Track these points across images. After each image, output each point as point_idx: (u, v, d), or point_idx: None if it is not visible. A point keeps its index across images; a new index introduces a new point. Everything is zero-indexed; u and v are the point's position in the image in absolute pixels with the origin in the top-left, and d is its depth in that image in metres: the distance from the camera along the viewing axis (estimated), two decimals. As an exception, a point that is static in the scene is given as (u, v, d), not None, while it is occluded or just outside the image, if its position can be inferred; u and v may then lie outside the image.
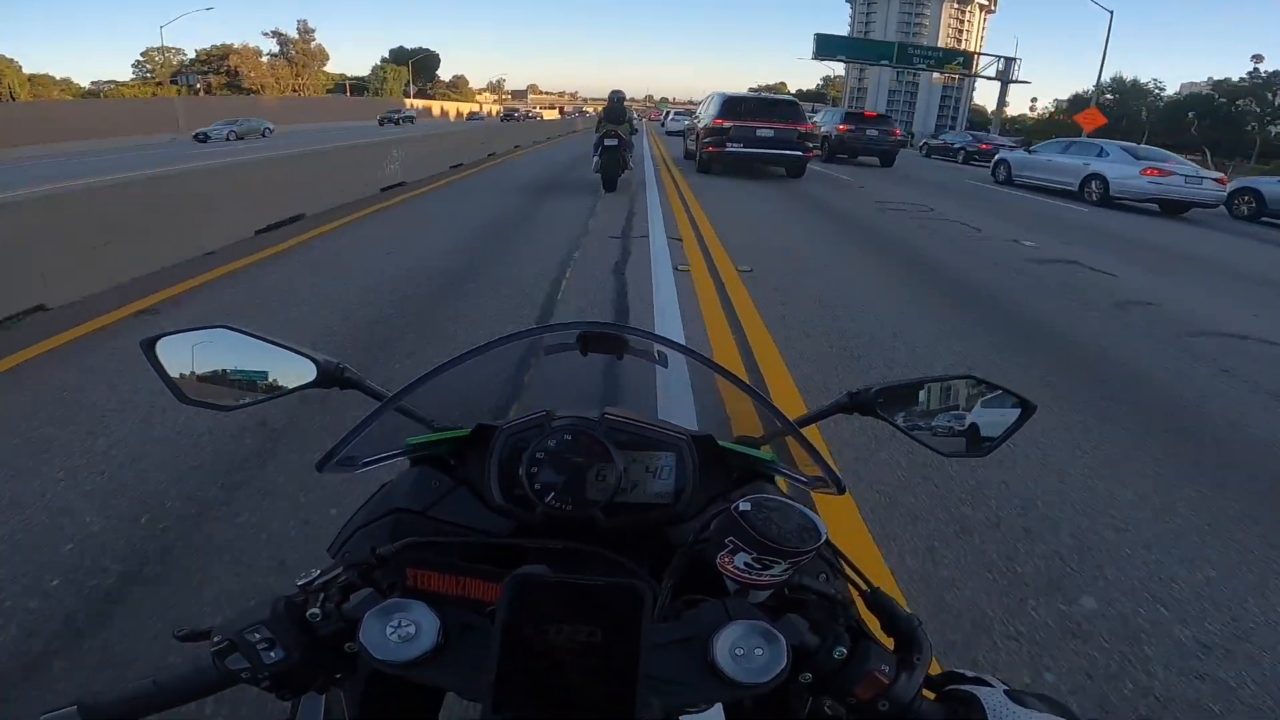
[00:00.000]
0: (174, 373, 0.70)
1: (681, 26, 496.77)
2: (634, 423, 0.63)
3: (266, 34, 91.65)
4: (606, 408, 0.64)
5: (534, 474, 0.59)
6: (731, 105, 13.10)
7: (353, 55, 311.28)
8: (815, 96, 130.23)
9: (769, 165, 13.75)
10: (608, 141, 9.30)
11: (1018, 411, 0.71)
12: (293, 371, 0.71)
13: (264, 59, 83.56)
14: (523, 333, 0.75)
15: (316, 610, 0.46)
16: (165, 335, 0.70)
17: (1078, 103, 53.37)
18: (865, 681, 0.46)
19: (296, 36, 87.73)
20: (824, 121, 19.22)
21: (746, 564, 0.48)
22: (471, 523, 0.63)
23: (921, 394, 0.72)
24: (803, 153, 13.22)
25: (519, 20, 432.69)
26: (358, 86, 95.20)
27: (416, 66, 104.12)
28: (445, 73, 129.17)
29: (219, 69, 76.53)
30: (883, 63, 46.96)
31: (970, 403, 0.72)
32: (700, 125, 14.14)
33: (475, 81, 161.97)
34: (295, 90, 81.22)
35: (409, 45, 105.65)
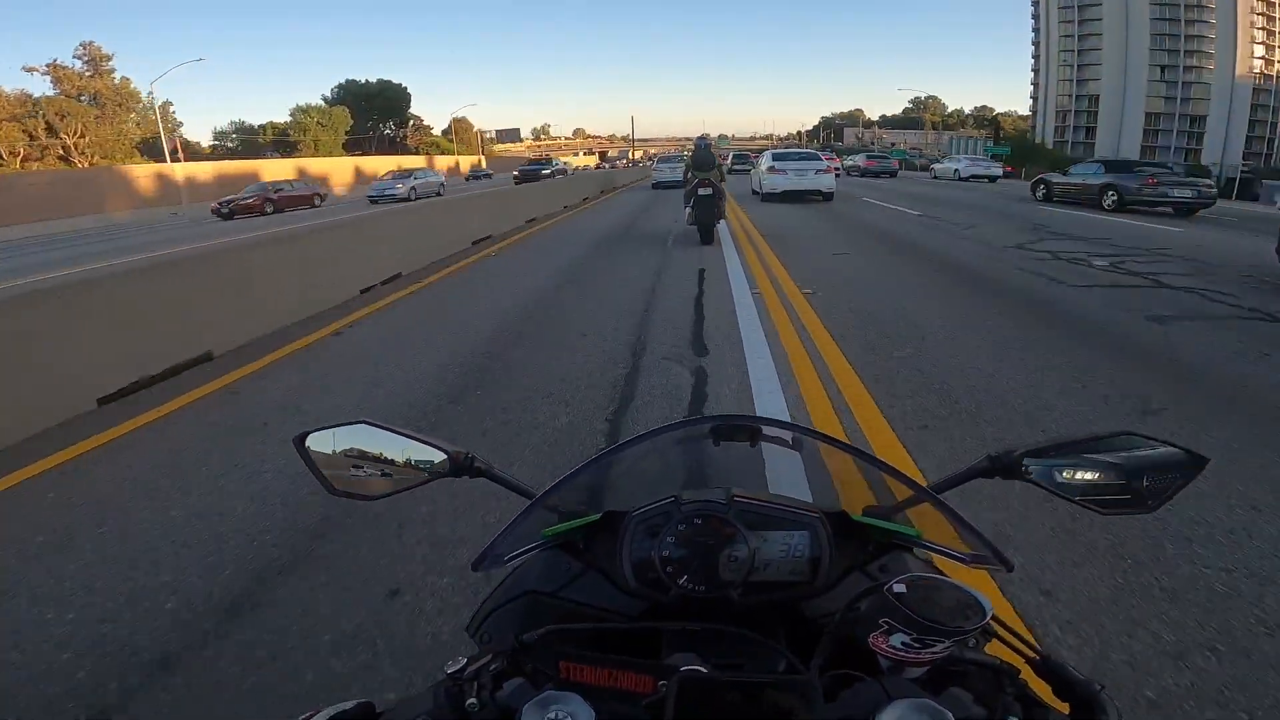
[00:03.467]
0: (322, 465, 0.73)
1: (733, 60, 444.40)
2: (763, 503, 0.63)
3: (33, 70, 49.92)
4: (734, 489, 0.64)
5: (666, 558, 0.60)
6: None
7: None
8: (905, 124, 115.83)
9: None
10: (701, 191, 8.91)
11: (1184, 464, 0.65)
12: (426, 461, 0.74)
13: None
14: (661, 429, 0.76)
15: (474, 700, 0.47)
16: (313, 431, 0.73)
17: None
18: None
19: (81, 68, 49.15)
20: None
21: (904, 643, 0.48)
22: (602, 603, 0.65)
23: (1070, 453, 0.67)
24: None
25: (561, 68, 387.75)
26: (283, 141, 60.55)
27: (373, 107, 69.22)
28: (463, 116, 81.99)
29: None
30: None
31: (1129, 459, 0.66)
32: None
33: (479, 122, 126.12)
34: (65, 157, 45.14)
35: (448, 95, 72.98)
